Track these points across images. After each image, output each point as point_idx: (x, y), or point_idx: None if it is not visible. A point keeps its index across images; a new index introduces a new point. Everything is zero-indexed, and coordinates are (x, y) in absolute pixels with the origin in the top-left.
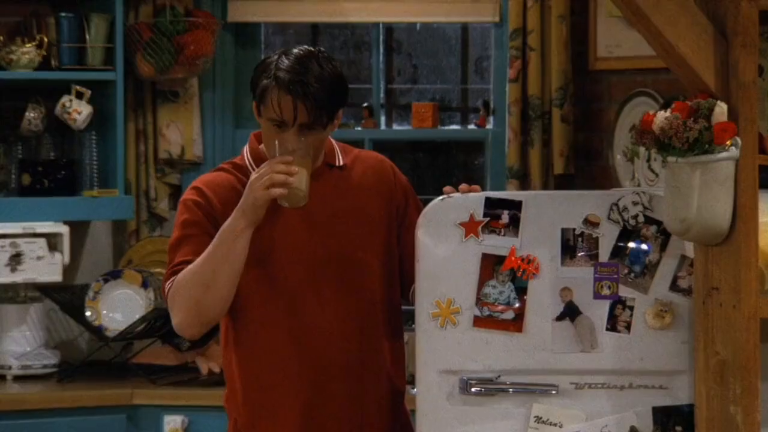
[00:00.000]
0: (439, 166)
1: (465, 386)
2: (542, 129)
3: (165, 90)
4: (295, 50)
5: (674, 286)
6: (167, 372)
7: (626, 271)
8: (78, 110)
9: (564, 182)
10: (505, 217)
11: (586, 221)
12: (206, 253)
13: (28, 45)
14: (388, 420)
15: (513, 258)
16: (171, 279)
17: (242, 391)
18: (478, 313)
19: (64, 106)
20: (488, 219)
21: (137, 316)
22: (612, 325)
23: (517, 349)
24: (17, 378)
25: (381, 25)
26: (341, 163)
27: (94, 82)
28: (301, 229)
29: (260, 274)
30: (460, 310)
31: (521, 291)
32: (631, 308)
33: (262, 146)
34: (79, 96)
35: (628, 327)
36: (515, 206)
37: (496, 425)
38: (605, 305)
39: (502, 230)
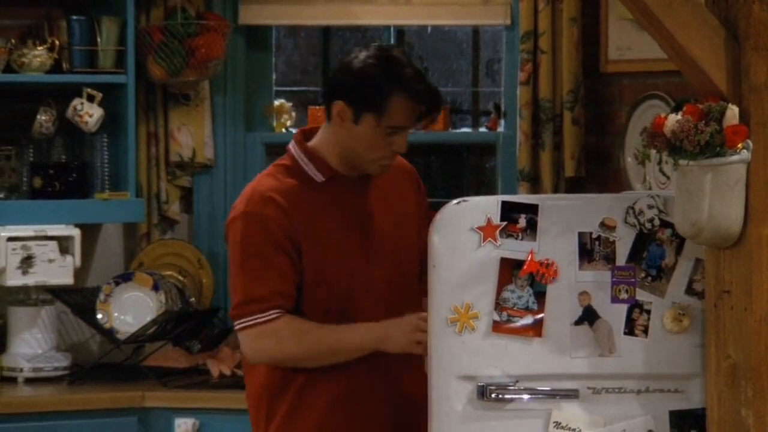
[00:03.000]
0: (450, 169)
1: (483, 392)
2: (553, 132)
3: (176, 93)
4: (395, 53)
5: (690, 290)
6: (178, 374)
7: (643, 274)
8: (89, 113)
9: (575, 185)
10: (522, 221)
11: (603, 225)
12: (326, 331)
13: (39, 48)
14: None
15: (532, 262)
16: (272, 312)
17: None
18: (497, 318)
19: (75, 109)
20: (506, 223)
21: (148, 319)
22: (630, 329)
23: (536, 354)
24: (29, 380)
25: (392, 28)
26: None
27: (106, 85)
28: (356, 238)
29: (316, 282)
30: (479, 316)
31: (540, 295)
32: (649, 312)
33: (313, 144)
34: (91, 99)
35: (645, 331)
36: (531, 210)
37: (514, 431)
38: (623, 309)
39: (520, 234)
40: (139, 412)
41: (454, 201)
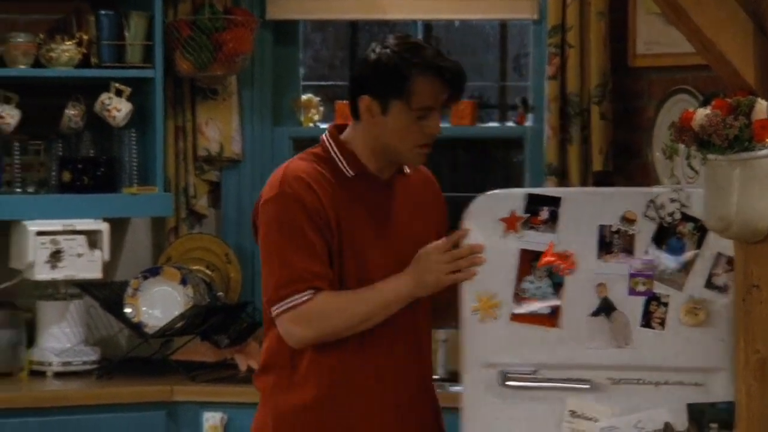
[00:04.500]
0: (477, 163)
1: (504, 379)
2: (581, 126)
3: (204, 87)
4: (403, 39)
5: (709, 284)
6: (206, 369)
7: (662, 267)
8: (117, 108)
9: (603, 179)
10: (545, 213)
11: (624, 218)
12: (361, 299)
13: (68, 43)
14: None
15: (549, 254)
16: (306, 293)
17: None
18: (516, 307)
19: (103, 103)
20: (528, 215)
21: (176, 313)
22: (646, 321)
23: (554, 343)
24: (58, 374)
25: (420, 23)
26: (406, 170)
27: (134, 79)
28: (378, 238)
29: (338, 277)
30: (500, 305)
31: (558, 286)
32: (666, 305)
33: (344, 138)
34: (119, 93)
35: (662, 323)
36: (555, 203)
37: (533, 419)
38: (640, 301)
39: (542, 226)
40: (167, 406)
41: (487, 192)
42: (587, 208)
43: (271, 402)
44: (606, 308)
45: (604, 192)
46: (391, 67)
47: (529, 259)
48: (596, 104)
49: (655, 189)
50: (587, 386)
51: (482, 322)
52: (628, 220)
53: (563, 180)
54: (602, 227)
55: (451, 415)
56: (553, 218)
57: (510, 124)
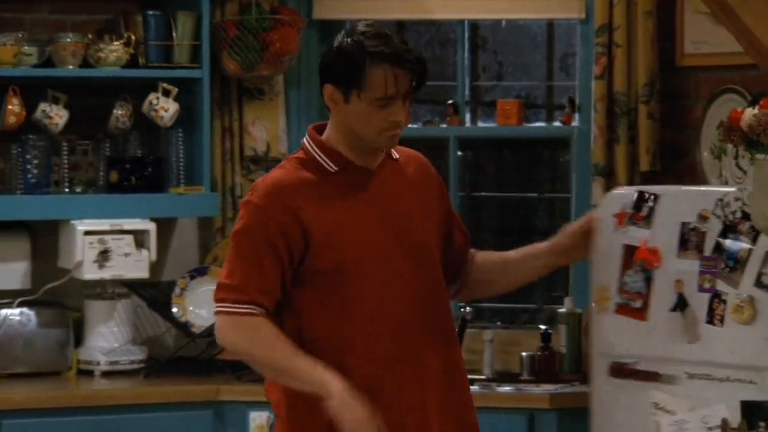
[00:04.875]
0: (523, 163)
1: (610, 369)
2: (628, 126)
3: (251, 87)
4: (367, 28)
5: (758, 282)
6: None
7: (722, 265)
8: (165, 108)
9: (650, 180)
10: (645, 209)
11: (699, 216)
12: (283, 351)
13: (115, 43)
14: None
15: (641, 249)
16: (251, 306)
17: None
18: (619, 300)
19: (151, 103)
20: (633, 211)
21: None
22: (710, 318)
23: (643, 336)
24: (105, 374)
25: (466, 22)
26: (396, 156)
27: (181, 79)
28: (375, 225)
29: (337, 270)
30: (610, 297)
31: (649, 281)
32: (725, 302)
33: (324, 136)
34: (166, 93)
35: (721, 320)
36: (657, 200)
37: (632, 408)
38: (706, 298)
39: (641, 222)
40: (213, 405)
41: (613, 190)
42: (676, 205)
43: (285, 412)
44: (681, 304)
45: (689, 190)
46: (348, 57)
47: (629, 254)
48: (644, 104)
49: (728, 188)
50: (666, 380)
51: (598, 314)
52: (703, 217)
53: (610, 180)
54: (683, 224)
55: (495, 415)
56: (651, 215)
57: (557, 123)
